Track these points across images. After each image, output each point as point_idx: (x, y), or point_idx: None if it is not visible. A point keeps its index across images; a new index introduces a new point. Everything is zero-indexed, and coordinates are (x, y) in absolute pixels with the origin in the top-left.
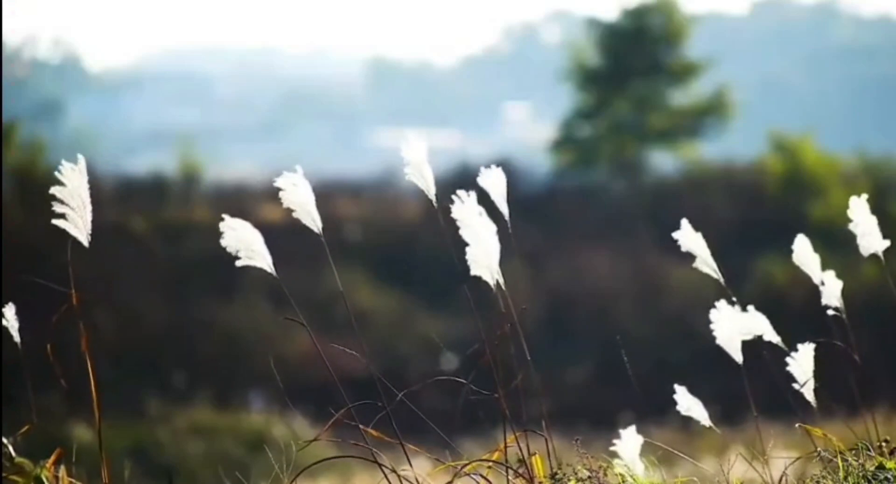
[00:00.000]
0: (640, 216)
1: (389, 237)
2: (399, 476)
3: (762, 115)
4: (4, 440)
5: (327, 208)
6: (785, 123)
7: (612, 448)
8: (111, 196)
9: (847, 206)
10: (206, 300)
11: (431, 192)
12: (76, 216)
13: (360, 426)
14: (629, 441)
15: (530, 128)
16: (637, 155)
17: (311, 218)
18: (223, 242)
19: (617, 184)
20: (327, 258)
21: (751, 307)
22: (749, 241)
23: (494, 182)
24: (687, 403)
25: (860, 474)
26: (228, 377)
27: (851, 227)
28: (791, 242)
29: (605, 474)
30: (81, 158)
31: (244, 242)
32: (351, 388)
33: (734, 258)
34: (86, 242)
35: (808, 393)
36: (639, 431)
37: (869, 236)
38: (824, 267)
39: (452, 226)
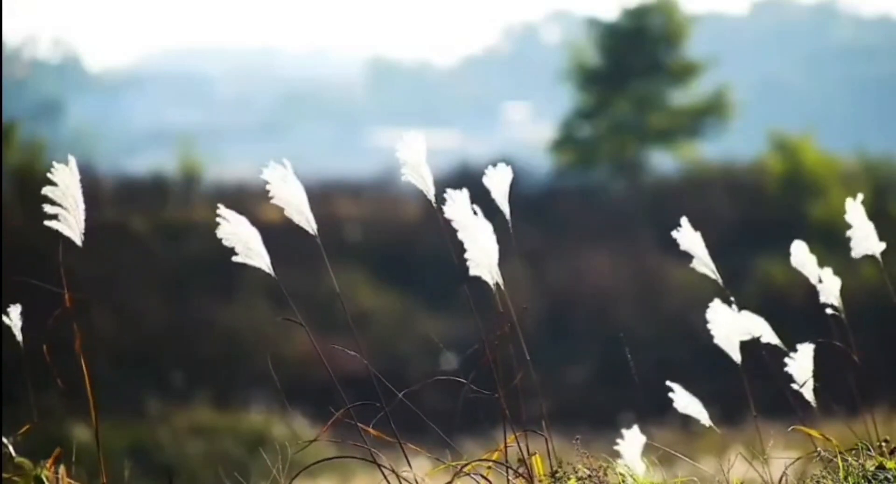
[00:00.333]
0: (640, 216)
1: (389, 237)
2: (398, 476)
3: (762, 115)
4: (4, 440)
5: (327, 208)
6: (785, 123)
7: (614, 447)
8: (111, 196)
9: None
10: (206, 300)
11: (430, 192)
12: (69, 216)
13: (360, 426)
14: (631, 441)
15: (530, 128)
16: (637, 155)
17: (302, 216)
18: (220, 234)
19: (617, 184)
20: (328, 257)
21: (745, 312)
22: (749, 241)
23: (498, 181)
24: (684, 401)
25: (860, 474)
26: (228, 377)
27: (849, 232)
28: (791, 242)
29: (605, 474)
30: (72, 159)
31: (241, 238)
32: (351, 388)
33: (734, 258)
34: (79, 242)
35: (808, 393)
36: (639, 430)
37: (865, 239)
38: (823, 267)
39: (452, 226)
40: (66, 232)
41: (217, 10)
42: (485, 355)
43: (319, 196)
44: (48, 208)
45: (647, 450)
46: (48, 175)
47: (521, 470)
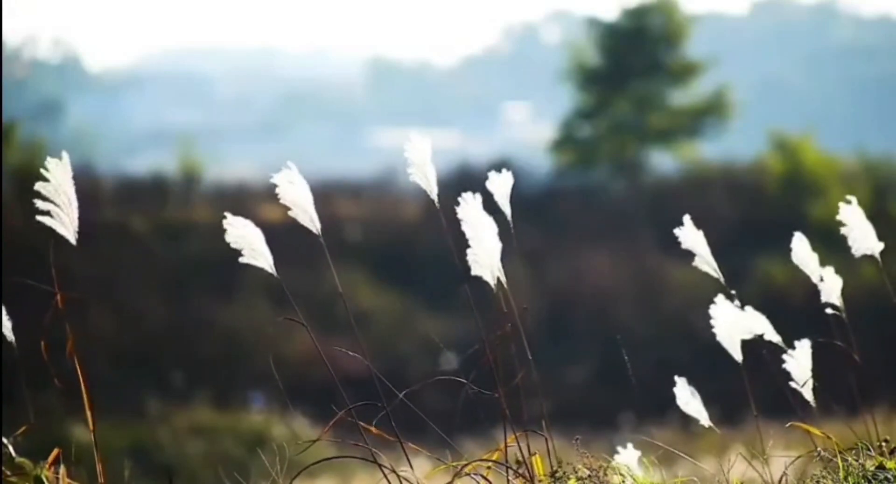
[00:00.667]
0: (640, 216)
1: (389, 237)
2: (399, 476)
3: (762, 115)
4: (4, 440)
5: (327, 208)
6: (785, 123)
7: (617, 447)
8: (111, 196)
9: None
10: (206, 300)
11: (434, 191)
12: (62, 214)
13: (361, 423)
14: (630, 449)
15: (530, 128)
16: (637, 155)
17: (308, 216)
18: (227, 238)
19: (617, 184)
20: (327, 258)
21: (749, 307)
22: (749, 241)
23: (500, 184)
24: (686, 396)
25: (860, 474)
26: (228, 377)
27: (845, 231)
28: (791, 242)
29: (605, 474)
30: (65, 155)
31: (246, 240)
32: (351, 388)
33: (734, 258)
34: (73, 240)
35: (807, 391)
36: (639, 431)
37: (864, 239)
38: (824, 267)
39: (453, 226)
40: (60, 230)
41: (217, 10)
42: (485, 355)
43: (319, 196)
44: (40, 205)
45: (647, 450)
46: (41, 171)
47: (521, 470)
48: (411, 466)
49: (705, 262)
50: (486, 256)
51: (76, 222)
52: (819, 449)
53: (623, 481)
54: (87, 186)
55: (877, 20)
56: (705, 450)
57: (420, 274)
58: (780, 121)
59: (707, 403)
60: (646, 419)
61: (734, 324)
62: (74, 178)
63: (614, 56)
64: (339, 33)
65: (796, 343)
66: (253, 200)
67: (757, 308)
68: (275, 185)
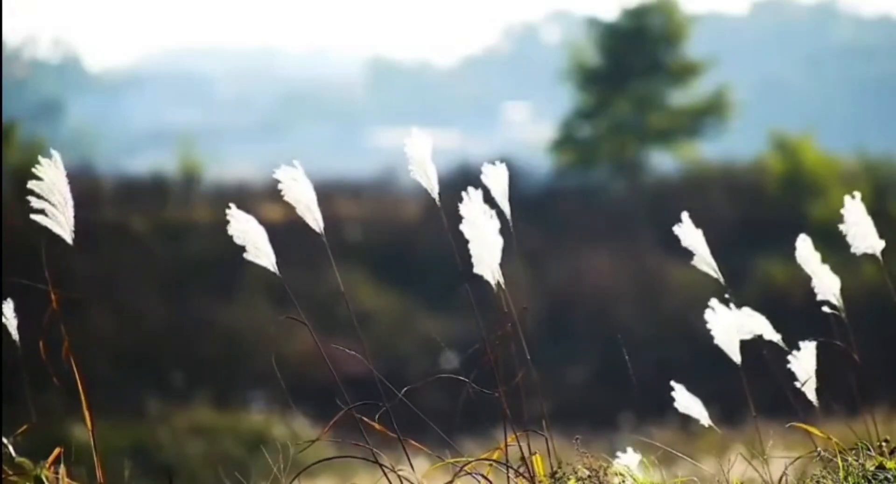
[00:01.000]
0: (640, 216)
1: (389, 237)
2: (399, 476)
3: (762, 115)
4: (4, 440)
5: (327, 208)
6: (785, 123)
7: (617, 452)
8: (111, 196)
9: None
10: (206, 300)
11: (435, 190)
12: (58, 213)
13: (363, 418)
14: (630, 451)
15: (530, 128)
16: (637, 155)
17: (311, 215)
18: (230, 231)
19: (617, 184)
20: (327, 258)
21: (746, 308)
22: (749, 241)
23: (496, 179)
24: (685, 400)
25: (860, 474)
26: (228, 377)
27: (845, 227)
28: (791, 241)
29: (605, 474)
30: (56, 153)
31: (249, 236)
32: (351, 388)
33: (734, 258)
34: (69, 240)
35: (810, 392)
36: (639, 431)
37: (864, 237)
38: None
39: (454, 225)
40: (56, 229)
41: (217, 10)
42: (485, 355)
43: (320, 196)
44: (35, 203)
45: (647, 450)
46: (33, 170)
47: (521, 469)
48: (412, 465)
49: (704, 260)
50: (487, 254)
51: (72, 221)
52: (819, 449)
53: (623, 482)
54: (87, 186)
55: (877, 20)
56: (705, 450)
57: (420, 274)
58: (780, 121)
59: (707, 403)
60: (645, 419)
61: (731, 325)
62: (74, 178)
63: (614, 56)
64: (339, 33)
65: (799, 345)
66: (253, 200)
67: (757, 308)
68: (275, 186)
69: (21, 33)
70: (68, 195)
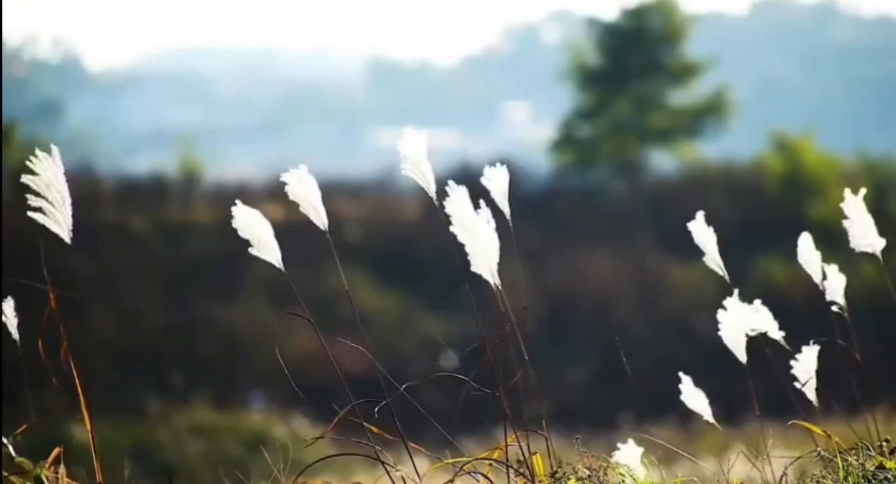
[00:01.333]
0: (640, 216)
1: (389, 237)
2: (401, 476)
3: (762, 115)
4: (4, 440)
5: (327, 208)
6: (785, 123)
7: (618, 444)
8: (111, 196)
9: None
10: (206, 300)
11: (431, 188)
12: (55, 211)
13: (364, 418)
14: (630, 445)
15: (530, 128)
16: (637, 155)
17: (317, 214)
18: (235, 225)
19: (617, 184)
20: (327, 258)
21: (757, 302)
22: (749, 241)
23: (497, 180)
24: (691, 394)
25: (860, 474)
26: (228, 377)
27: (848, 223)
28: (791, 241)
29: (605, 474)
30: (55, 149)
31: (254, 231)
32: (351, 387)
33: (734, 258)
34: (67, 238)
35: (811, 392)
36: (639, 430)
37: (865, 235)
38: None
39: (453, 223)
40: (53, 227)
41: (217, 10)
42: (485, 354)
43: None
44: (32, 201)
45: (647, 449)
46: (26, 164)
47: (521, 469)
48: (415, 465)
49: (713, 260)
50: (482, 250)
51: (69, 220)
52: (819, 449)
53: (623, 481)
54: (87, 186)
55: (877, 20)
56: (705, 450)
57: (420, 274)
58: (780, 121)
59: (707, 402)
60: (645, 419)
61: (739, 323)
62: (74, 178)
63: (614, 56)
64: (339, 33)
65: (802, 346)
66: (253, 200)
67: None
68: (275, 186)
69: (21, 33)
70: (66, 193)
